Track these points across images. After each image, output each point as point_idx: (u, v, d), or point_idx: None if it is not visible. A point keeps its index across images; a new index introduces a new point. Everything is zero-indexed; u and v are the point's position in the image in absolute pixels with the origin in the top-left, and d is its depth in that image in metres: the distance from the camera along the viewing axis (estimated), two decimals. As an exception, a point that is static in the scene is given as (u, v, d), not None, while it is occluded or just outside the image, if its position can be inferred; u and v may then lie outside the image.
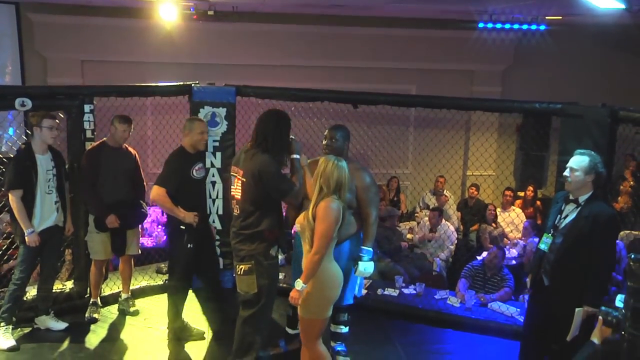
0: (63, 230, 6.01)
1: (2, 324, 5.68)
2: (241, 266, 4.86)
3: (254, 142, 4.90)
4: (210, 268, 6.09)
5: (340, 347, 5.49)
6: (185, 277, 5.78)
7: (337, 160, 4.48)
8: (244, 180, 4.83)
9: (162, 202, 5.53)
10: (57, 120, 5.85)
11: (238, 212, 4.92)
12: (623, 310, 3.17)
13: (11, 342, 5.64)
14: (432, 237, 9.50)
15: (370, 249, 5.16)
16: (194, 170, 5.62)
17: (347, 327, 5.49)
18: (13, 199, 5.55)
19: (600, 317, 3.21)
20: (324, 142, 5.23)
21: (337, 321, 5.44)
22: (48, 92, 7.05)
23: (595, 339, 3.21)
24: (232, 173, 5.01)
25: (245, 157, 4.91)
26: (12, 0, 10.92)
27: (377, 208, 5.35)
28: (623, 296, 4.31)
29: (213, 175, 6.93)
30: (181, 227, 5.53)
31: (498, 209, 10.67)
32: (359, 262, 5.09)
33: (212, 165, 6.90)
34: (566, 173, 4.60)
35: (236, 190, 4.91)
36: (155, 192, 5.47)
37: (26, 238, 5.58)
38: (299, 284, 4.43)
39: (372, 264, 5.14)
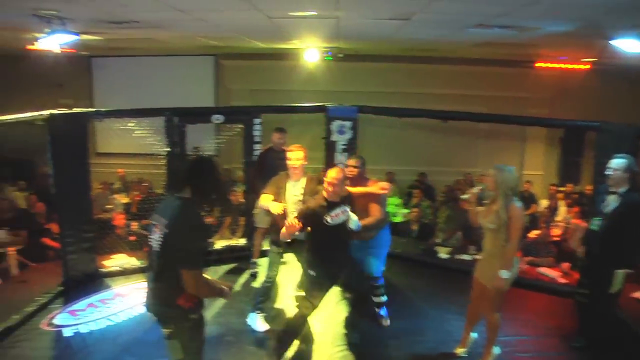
0: None
1: (257, 311, 5.21)
2: None
3: None
4: None
5: (383, 312, 5.34)
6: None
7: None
8: None
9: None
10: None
11: None
12: None
13: (266, 326, 5.17)
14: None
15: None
16: None
17: (385, 296, 5.32)
18: None
19: None
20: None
21: (376, 294, 5.30)
22: (232, 110, 7.32)
23: None
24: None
25: None
26: (213, 53, 11.55)
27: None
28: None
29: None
30: None
31: (543, 200, 10.14)
32: None
33: (341, 162, 6.81)
34: (609, 172, 4.42)
35: None
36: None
37: None
38: (505, 273, 4.10)
39: None
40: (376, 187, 4.89)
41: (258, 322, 5.19)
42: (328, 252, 4.39)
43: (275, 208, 4.63)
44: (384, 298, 5.30)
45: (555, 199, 9.75)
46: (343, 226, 4.34)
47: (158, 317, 3.36)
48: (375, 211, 4.83)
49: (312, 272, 4.37)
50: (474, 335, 4.76)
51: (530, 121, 7.22)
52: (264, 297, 5.20)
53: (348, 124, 6.85)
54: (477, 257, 6.81)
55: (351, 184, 4.89)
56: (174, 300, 3.17)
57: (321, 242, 4.37)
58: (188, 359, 3.36)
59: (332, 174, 4.32)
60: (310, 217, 4.26)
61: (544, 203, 10.04)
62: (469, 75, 11.59)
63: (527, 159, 11.64)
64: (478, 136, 11.33)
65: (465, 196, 4.59)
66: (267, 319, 5.24)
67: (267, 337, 4.99)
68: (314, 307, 4.38)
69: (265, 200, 4.78)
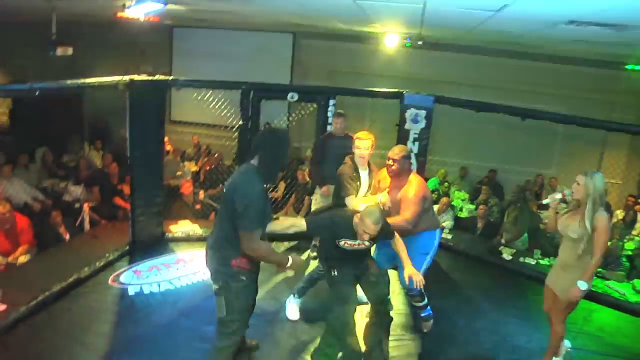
0: None
1: (296, 296, 5.00)
2: None
3: None
4: None
5: (424, 313, 4.82)
6: None
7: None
8: None
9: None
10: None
11: None
12: None
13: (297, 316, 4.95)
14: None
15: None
16: None
17: (425, 299, 4.75)
18: None
19: None
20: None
21: (415, 300, 4.78)
22: (309, 89, 7.31)
23: None
24: None
25: None
26: (292, 30, 11.47)
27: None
28: None
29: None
30: None
31: (618, 211, 9.57)
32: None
33: (411, 151, 6.50)
34: None
35: None
36: None
37: None
38: (583, 284, 3.81)
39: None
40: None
41: (291, 308, 4.97)
42: (341, 265, 4.07)
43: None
44: (424, 302, 4.77)
45: (634, 210, 9.22)
46: (359, 252, 4.04)
47: (211, 273, 3.47)
48: (405, 212, 4.36)
49: (334, 273, 4.03)
50: (567, 344, 4.46)
51: (619, 127, 6.69)
52: (307, 285, 4.94)
53: (422, 113, 6.64)
54: (541, 261, 6.61)
55: (391, 179, 4.58)
56: (229, 260, 3.29)
57: (333, 255, 4.10)
58: (229, 318, 3.42)
59: (369, 219, 3.67)
60: (327, 230, 3.99)
61: (619, 214, 9.51)
62: (550, 73, 11.07)
63: (605, 166, 11.03)
64: (555, 137, 10.86)
65: (545, 201, 4.32)
66: (301, 309, 4.99)
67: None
68: (352, 310, 3.99)
69: (359, 202, 4.57)
